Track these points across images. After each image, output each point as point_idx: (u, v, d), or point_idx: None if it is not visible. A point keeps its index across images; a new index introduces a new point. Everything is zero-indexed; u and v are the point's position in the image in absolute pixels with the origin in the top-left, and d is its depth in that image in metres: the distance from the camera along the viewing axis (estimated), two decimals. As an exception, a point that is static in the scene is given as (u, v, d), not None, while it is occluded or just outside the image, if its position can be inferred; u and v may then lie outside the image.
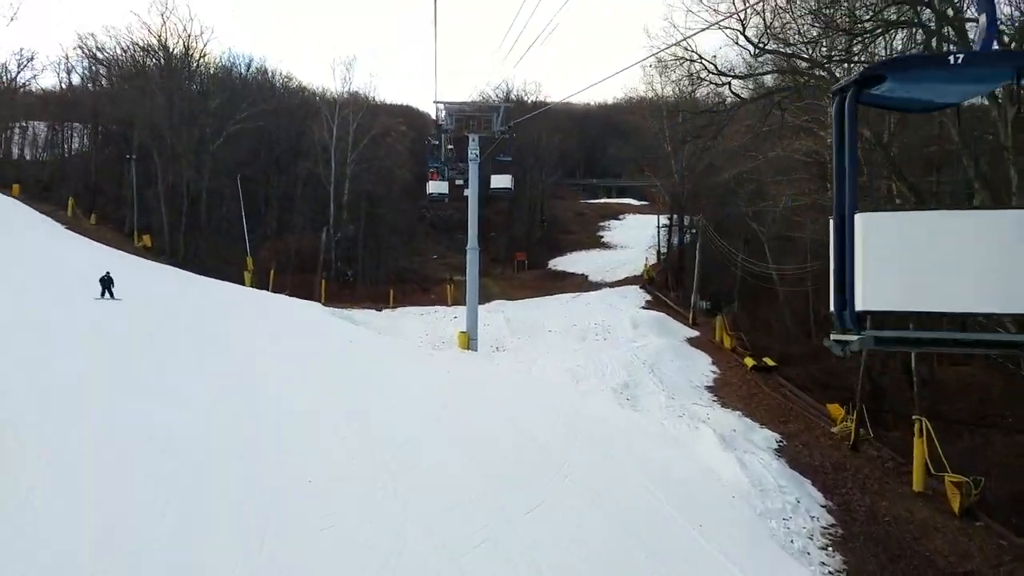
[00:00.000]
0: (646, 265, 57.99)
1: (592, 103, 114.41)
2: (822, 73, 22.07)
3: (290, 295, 43.74)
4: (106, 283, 26.32)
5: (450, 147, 33.94)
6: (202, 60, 53.89)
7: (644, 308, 46.81)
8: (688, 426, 21.80)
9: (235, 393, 17.22)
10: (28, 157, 64.14)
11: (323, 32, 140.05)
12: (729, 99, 25.96)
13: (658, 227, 62.73)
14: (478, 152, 31.13)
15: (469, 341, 30.70)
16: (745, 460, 19.51)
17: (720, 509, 16.79)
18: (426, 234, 71.53)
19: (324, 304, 42.07)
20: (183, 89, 49.19)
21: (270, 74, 69.37)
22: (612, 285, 56.94)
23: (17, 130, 62.87)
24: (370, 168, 55.83)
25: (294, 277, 48.54)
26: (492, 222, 63.95)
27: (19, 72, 61.80)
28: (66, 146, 63.54)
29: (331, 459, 13.84)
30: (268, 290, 43.86)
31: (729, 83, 23.75)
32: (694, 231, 42.20)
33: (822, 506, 18.80)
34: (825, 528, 17.65)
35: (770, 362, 30.81)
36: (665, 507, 15.75)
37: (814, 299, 35.93)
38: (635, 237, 76.13)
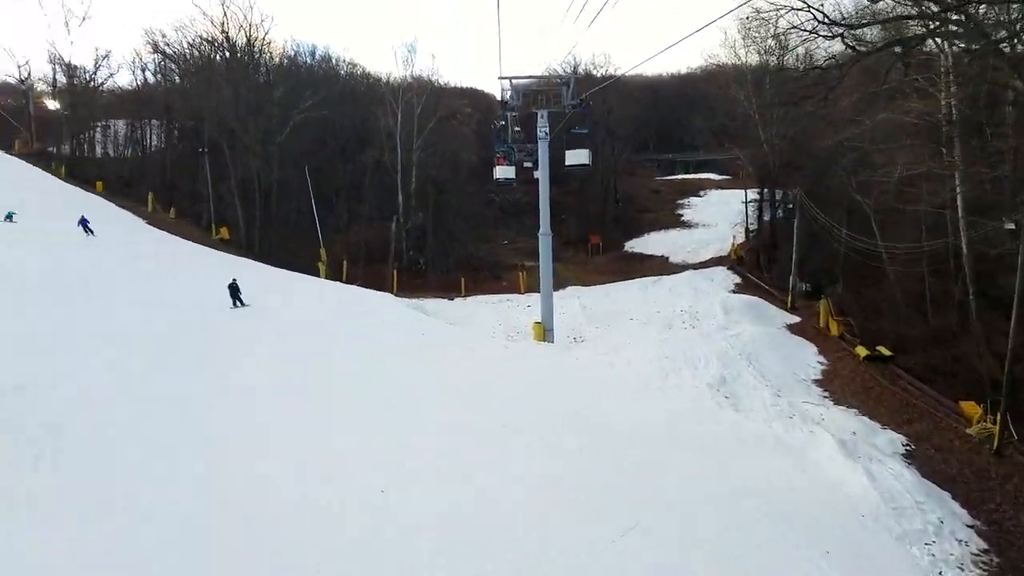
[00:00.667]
0: (733, 244, 54.25)
1: (665, 73, 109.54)
2: (957, 17, 18.72)
3: (363, 286, 42.73)
4: (234, 291, 26.52)
5: (517, 129, 32.20)
6: (265, 48, 53.34)
7: (734, 292, 43.44)
8: (801, 429, 18.97)
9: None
10: (111, 154, 65.85)
11: (384, 14, 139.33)
12: (837, 56, 22.63)
13: (745, 202, 58.66)
14: (547, 129, 28.74)
15: (545, 332, 28.57)
16: (873, 470, 16.63)
17: (850, 532, 14.14)
18: (495, 219, 69.54)
19: (396, 294, 40.79)
20: (248, 80, 48.66)
21: (334, 61, 68.77)
22: (696, 267, 53.54)
23: (99, 129, 64.39)
24: (436, 153, 54.23)
25: (366, 267, 47.59)
26: (563, 204, 61.23)
27: (96, 71, 63.22)
28: (144, 143, 64.64)
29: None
30: (342, 281, 43.00)
31: (843, 34, 20.45)
32: (790, 205, 38.47)
33: (969, 526, 15.76)
34: (977, 555, 14.70)
35: (885, 351, 27.29)
36: (781, 530, 13.29)
37: (931, 279, 32.11)
38: (718, 214, 72.03)
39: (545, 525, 11.39)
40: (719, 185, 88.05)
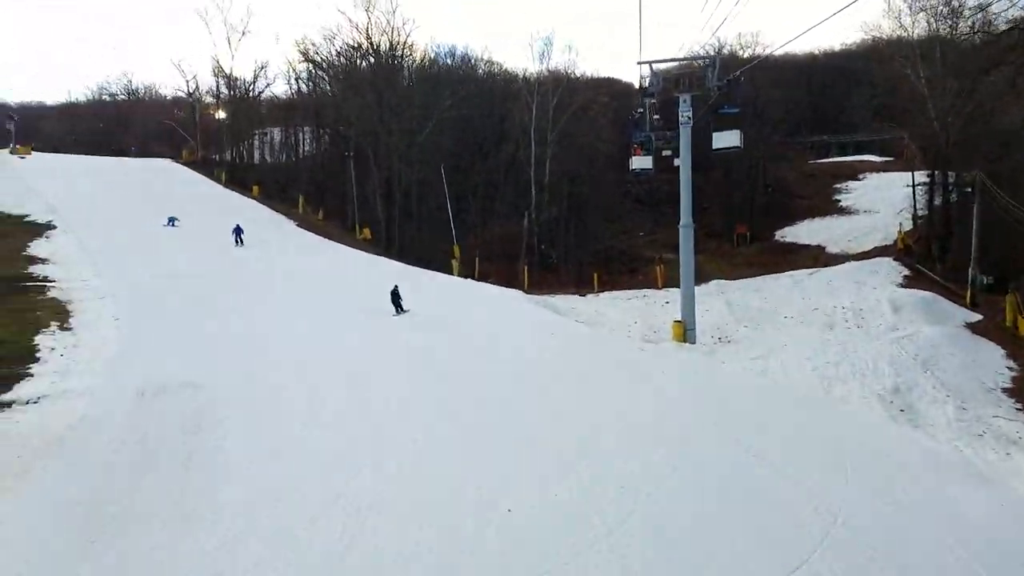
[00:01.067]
0: (900, 232, 48.96)
1: (818, 51, 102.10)
2: None
3: (495, 282, 42.45)
4: (396, 298, 25.56)
5: (656, 116, 30.43)
6: (407, 52, 54.49)
7: (903, 286, 38.98)
8: (994, 450, 16.08)
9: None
10: (268, 160, 70.36)
11: (522, 5, 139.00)
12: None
13: (912, 186, 52.84)
14: (690, 114, 26.63)
15: (686, 331, 26.56)
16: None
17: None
18: (631, 210, 67.22)
19: (527, 290, 40.05)
20: (392, 84, 49.93)
21: (472, 61, 69.24)
22: (857, 258, 48.82)
23: (256, 136, 68.85)
24: (571, 146, 53.04)
25: (497, 264, 47.32)
26: (705, 192, 57.76)
27: (254, 82, 67.55)
28: (298, 149, 68.33)
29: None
30: (474, 278, 42.92)
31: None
32: (968, 189, 33.79)
33: None
34: None
35: (1094, 355, 23.10)
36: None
37: None
38: (880, 199, 66.02)
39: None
40: (880, 168, 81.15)
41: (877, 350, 23.50)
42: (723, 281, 42.96)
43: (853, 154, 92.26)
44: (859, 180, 78.56)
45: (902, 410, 18.02)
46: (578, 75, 62.77)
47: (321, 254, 39.52)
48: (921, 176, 52.05)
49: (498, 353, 21.24)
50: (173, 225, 38.46)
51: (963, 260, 40.67)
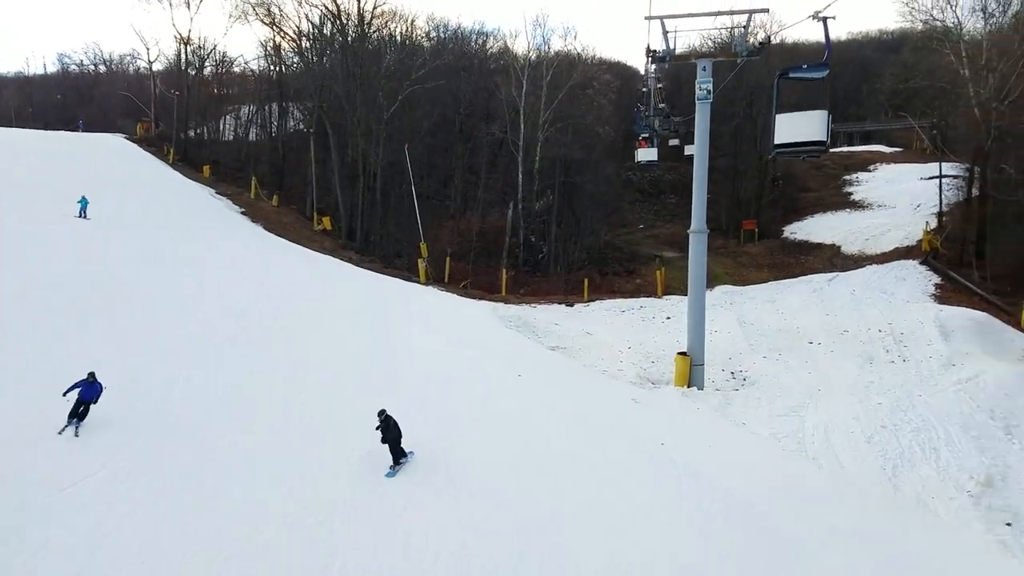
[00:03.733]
0: (926, 232, 43.61)
1: (844, 36, 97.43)
2: None
3: (469, 285, 36.87)
4: (388, 430, 13.03)
5: (661, 105, 25.38)
6: (378, 18, 48.00)
7: (938, 298, 33.75)
8: None
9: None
10: (231, 139, 64.25)
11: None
12: None
13: (939, 178, 47.51)
14: (711, 86, 20.80)
15: (692, 369, 21.15)
16: None
17: None
18: (632, 201, 61.58)
19: (506, 297, 34.51)
20: (358, 53, 43.59)
21: (450, 27, 62.88)
22: (878, 260, 43.49)
23: (216, 112, 62.75)
24: (566, 128, 46.97)
25: (476, 262, 41.69)
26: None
27: (210, 53, 61.56)
28: (266, 126, 62.18)
29: None
30: (444, 280, 37.27)
31: None
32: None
33: None
34: None
35: None
36: None
37: None
38: (894, 193, 61.08)
39: None
40: (891, 159, 76.26)
41: (941, 405, 18.14)
42: (731, 287, 37.67)
43: (860, 144, 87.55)
44: (869, 171, 73.71)
45: (1009, 524, 12.70)
46: (578, 51, 56.84)
47: (260, 254, 31.72)
48: (949, 169, 46.80)
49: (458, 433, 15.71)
50: (84, 215, 31.34)
51: (1003, 267, 35.55)
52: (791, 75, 18.60)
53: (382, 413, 12.80)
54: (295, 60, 57.40)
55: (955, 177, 46.08)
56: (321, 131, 46.35)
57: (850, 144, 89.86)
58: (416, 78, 42.92)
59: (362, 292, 27.76)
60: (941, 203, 47.31)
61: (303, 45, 49.62)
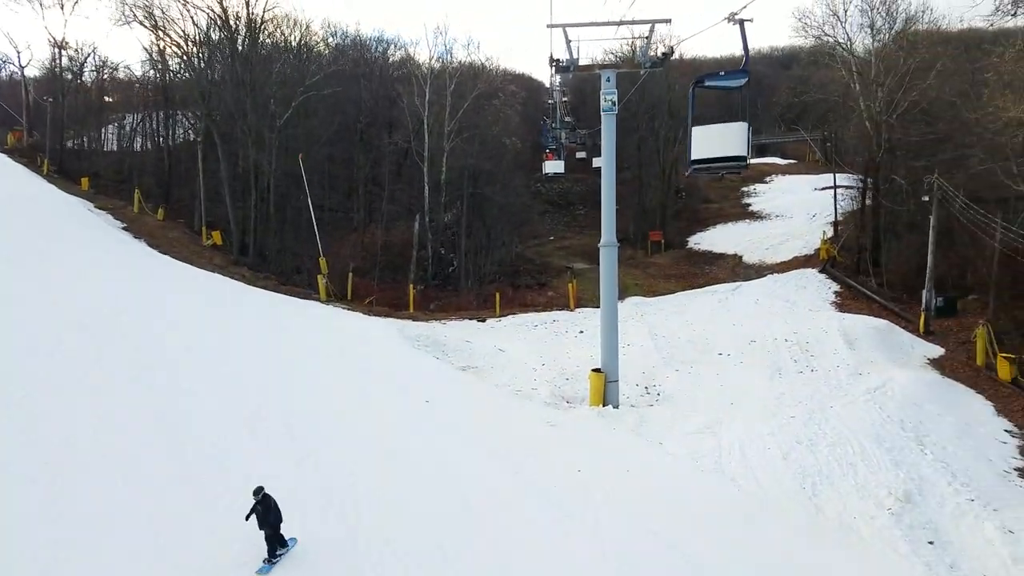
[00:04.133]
0: (824, 241, 45.13)
1: (720, 55, 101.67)
2: None
3: (376, 302, 35.12)
4: (267, 516, 10.94)
5: (568, 118, 24.82)
6: (270, 23, 45.48)
7: (839, 305, 34.68)
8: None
9: None
10: (115, 149, 59.74)
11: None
12: None
13: (834, 189, 49.50)
14: (615, 97, 20.25)
15: (606, 386, 20.39)
16: None
17: None
18: (541, 212, 61.22)
19: (413, 314, 32.98)
20: (246, 56, 41.03)
21: (349, 34, 60.78)
22: (778, 269, 44.64)
23: (97, 121, 58.13)
24: (473, 139, 45.89)
25: (382, 278, 39.92)
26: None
27: (88, 57, 57.07)
28: (154, 136, 58.03)
29: None
30: (347, 297, 35.31)
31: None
32: (924, 198, 29.50)
33: None
34: None
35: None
36: None
37: None
38: (790, 203, 63.48)
39: None
40: (785, 170, 79.48)
41: (853, 416, 18.04)
42: (641, 299, 37.55)
43: (756, 157, 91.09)
44: (766, 183, 76.49)
45: (931, 542, 12.33)
46: (482, 62, 55.97)
47: (134, 275, 28.36)
48: (842, 180, 48.86)
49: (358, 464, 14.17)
50: None
51: (897, 274, 36.99)
52: (707, 83, 17.38)
53: (259, 492, 10.58)
54: (182, 66, 53.99)
55: (848, 188, 48.10)
56: (210, 140, 43.40)
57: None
58: (311, 84, 40.76)
59: (250, 315, 25.63)
60: (836, 213, 49.21)
61: (189, 50, 46.40)
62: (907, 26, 39.16)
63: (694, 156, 17.02)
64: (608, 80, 20.01)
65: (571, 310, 34.62)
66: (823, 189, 59.16)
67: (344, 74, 48.51)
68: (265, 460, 13.19)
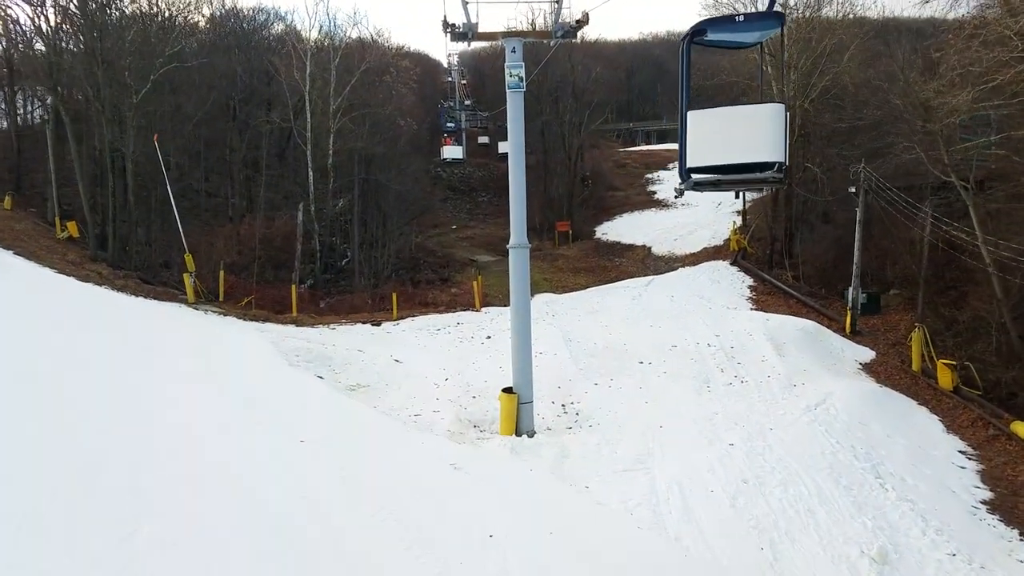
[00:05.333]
0: (734, 232, 43.95)
1: (639, 36, 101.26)
2: None
3: (254, 303, 30.68)
4: None
5: (467, 101, 21.68)
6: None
7: (754, 300, 33.23)
8: None
9: None
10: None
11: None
12: None
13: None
14: (523, 72, 17.10)
15: (519, 408, 17.38)
16: None
17: None
18: (443, 199, 57.58)
19: (296, 319, 28.88)
20: (96, 22, 35.06)
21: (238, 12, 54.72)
22: (688, 261, 43.18)
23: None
24: (363, 119, 41.70)
25: (262, 275, 35.41)
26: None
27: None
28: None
29: None
30: (219, 299, 30.72)
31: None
32: (851, 189, 28.12)
33: None
34: None
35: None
36: None
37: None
38: (695, 191, 62.62)
39: None
40: (688, 157, 79.32)
41: (798, 441, 15.79)
42: (552, 295, 34.88)
43: (657, 143, 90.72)
44: (669, 170, 75.41)
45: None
46: (371, 34, 51.52)
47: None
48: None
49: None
50: None
51: (813, 267, 36.00)
52: (710, 36, 10.39)
53: None
54: (28, 35, 46.62)
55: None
56: (59, 119, 37.32)
57: (647, 143, 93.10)
58: (171, 54, 35.41)
59: (93, 326, 20.96)
60: (744, 202, 48.28)
61: (33, 18, 39.77)
62: (820, 4, 38.01)
63: (691, 163, 10.40)
64: (514, 51, 16.76)
65: (477, 310, 31.50)
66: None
67: (214, 45, 43.07)
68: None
